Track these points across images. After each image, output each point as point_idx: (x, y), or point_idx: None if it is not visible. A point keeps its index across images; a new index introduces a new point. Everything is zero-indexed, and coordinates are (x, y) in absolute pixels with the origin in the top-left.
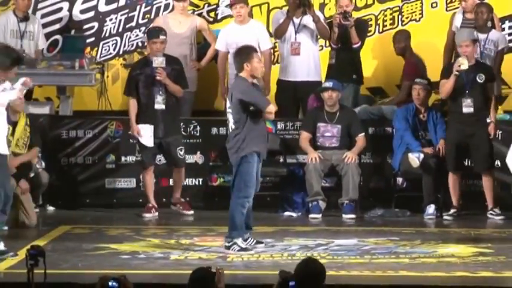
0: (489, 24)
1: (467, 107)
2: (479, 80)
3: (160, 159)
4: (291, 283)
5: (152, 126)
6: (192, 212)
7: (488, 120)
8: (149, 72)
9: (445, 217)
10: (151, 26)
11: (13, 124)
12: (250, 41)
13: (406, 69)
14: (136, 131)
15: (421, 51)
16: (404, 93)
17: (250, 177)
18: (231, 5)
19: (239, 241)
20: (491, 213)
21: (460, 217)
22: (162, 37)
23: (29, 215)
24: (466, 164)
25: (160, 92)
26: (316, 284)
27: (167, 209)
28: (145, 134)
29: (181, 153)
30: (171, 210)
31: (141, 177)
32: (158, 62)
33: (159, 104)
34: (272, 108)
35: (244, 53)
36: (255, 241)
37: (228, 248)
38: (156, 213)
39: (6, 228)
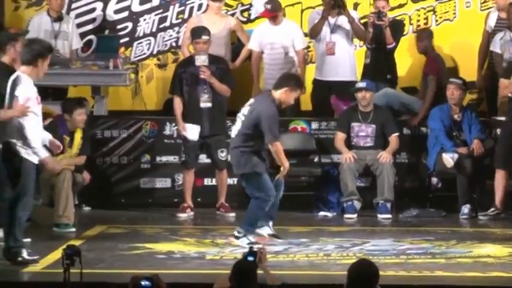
0: None
1: None
2: None
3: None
4: None
5: (199, 127)
6: (233, 214)
7: None
8: (193, 70)
9: (480, 217)
10: (183, 29)
11: (70, 135)
12: (284, 40)
13: (428, 67)
14: (182, 126)
15: (455, 51)
16: (433, 86)
17: (266, 183)
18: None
19: (250, 237)
20: None
21: (497, 217)
22: (204, 37)
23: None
24: None
25: (205, 91)
26: (369, 286)
27: (202, 209)
28: (191, 131)
29: (223, 155)
30: (206, 210)
31: (175, 177)
32: (200, 60)
33: (205, 103)
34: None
35: (292, 81)
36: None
37: (236, 238)
38: (192, 213)
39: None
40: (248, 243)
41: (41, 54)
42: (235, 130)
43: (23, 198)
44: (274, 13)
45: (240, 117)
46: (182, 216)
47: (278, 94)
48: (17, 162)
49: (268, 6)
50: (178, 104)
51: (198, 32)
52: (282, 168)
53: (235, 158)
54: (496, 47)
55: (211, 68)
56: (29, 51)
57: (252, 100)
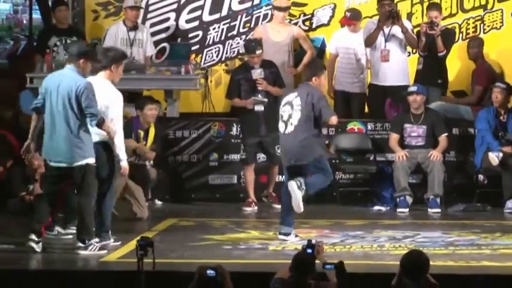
0: None
1: None
2: None
3: (259, 157)
4: None
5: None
6: (280, 205)
7: None
8: (250, 77)
9: None
10: (249, 37)
11: (145, 131)
12: (358, 48)
13: (477, 74)
14: (250, 101)
15: (501, 58)
16: (476, 97)
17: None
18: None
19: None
20: None
21: None
22: (258, 52)
23: (142, 207)
24: None
25: (260, 96)
26: (421, 274)
27: (264, 203)
28: (258, 104)
29: (278, 151)
30: (267, 204)
31: (241, 173)
32: (257, 74)
33: (258, 106)
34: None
35: (318, 67)
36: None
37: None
38: (256, 207)
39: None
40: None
41: (115, 59)
42: (293, 123)
43: (111, 190)
44: (352, 21)
45: (295, 109)
46: (247, 210)
47: (316, 82)
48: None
49: (348, 14)
50: (239, 100)
51: (252, 47)
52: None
53: (303, 147)
54: None
55: (265, 73)
56: (105, 58)
57: (294, 93)
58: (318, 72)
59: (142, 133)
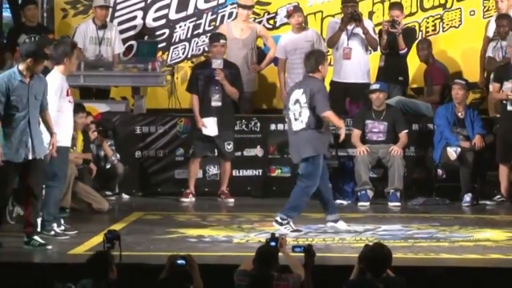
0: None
1: (511, 105)
2: None
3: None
4: None
5: (216, 118)
6: (232, 200)
7: None
8: (208, 72)
9: (487, 203)
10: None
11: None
12: (306, 46)
13: (432, 74)
14: (201, 123)
15: (460, 55)
16: (437, 96)
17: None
18: (289, 15)
19: (292, 223)
20: None
21: (501, 204)
22: (222, 41)
23: (100, 200)
24: None
25: (217, 91)
26: (383, 266)
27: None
28: (209, 126)
29: (229, 147)
30: (220, 201)
31: (207, 168)
32: (217, 63)
33: (216, 101)
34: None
35: (320, 56)
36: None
37: (280, 224)
38: (193, 199)
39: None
40: (292, 231)
41: (66, 53)
42: (303, 121)
43: (57, 177)
44: (291, 11)
45: (302, 106)
46: (185, 201)
47: (318, 74)
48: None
49: (291, 7)
50: (196, 102)
51: (216, 36)
52: (340, 131)
53: (305, 142)
54: (489, 52)
55: (225, 72)
56: (56, 53)
57: (300, 89)
58: (322, 60)
59: None
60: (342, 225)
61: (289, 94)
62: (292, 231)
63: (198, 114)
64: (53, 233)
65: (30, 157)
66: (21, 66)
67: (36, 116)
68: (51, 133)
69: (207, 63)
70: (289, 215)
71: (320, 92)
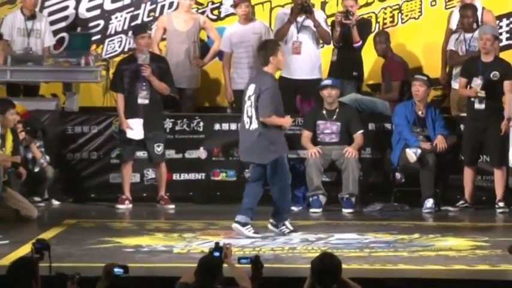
0: (475, 25)
1: (479, 103)
2: (493, 78)
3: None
4: None
5: (142, 120)
6: (173, 206)
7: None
8: (134, 68)
9: (449, 209)
10: (153, 26)
11: (1, 137)
12: (253, 39)
13: (390, 69)
14: (125, 125)
15: (420, 49)
16: (396, 92)
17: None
18: (235, 5)
19: (288, 223)
20: (496, 207)
21: (464, 210)
22: (148, 32)
23: (28, 207)
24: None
25: (144, 87)
26: (332, 278)
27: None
28: (135, 128)
29: (159, 149)
30: (160, 207)
31: (144, 171)
32: (142, 58)
33: (142, 99)
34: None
35: (270, 47)
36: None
37: (275, 226)
38: (130, 205)
39: None
40: (289, 232)
41: None
42: (253, 120)
43: None
44: (238, 0)
45: (253, 106)
46: (121, 207)
47: (270, 66)
48: None
49: None
50: (121, 101)
51: (142, 27)
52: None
53: (261, 145)
54: (451, 45)
55: (152, 66)
56: None
57: (253, 85)
58: (274, 50)
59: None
60: (247, 231)
61: (245, 88)
62: (289, 232)
63: (122, 115)
64: None
65: None
66: None
67: None
68: None
69: (132, 58)
70: (282, 218)
71: (266, 91)
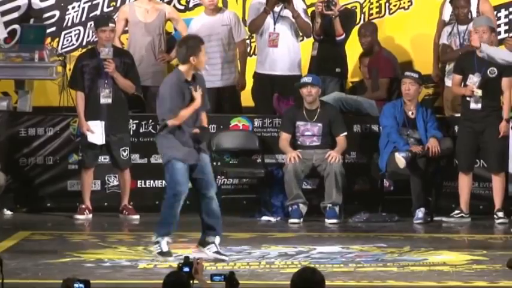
0: (469, 16)
1: (475, 102)
2: (490, 75)
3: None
4: None
5: (103, 123)
6: (137, 216)
7: (504, 117)
8: (96, 63)
9: (444, 220)
10: (114, 17)
11: None
12: (223, 31)
13: (378, 65)
14: (85, 127)
15: (410, 42)
16: (383, 91)
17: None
18: None
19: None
20: (494, 217)
21: (459, 221)
22: (111, 25)
23: None
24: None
25: (106, 85)
26: None
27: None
28: (96, 131)
29: (125, 154)
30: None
31: (106, 178)
32: (105, 53)
33: (105, 98)
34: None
35: (192, 45)
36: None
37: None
38: (90, 216)
39: None
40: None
41: None
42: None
43: None
44: None
45: None
46: (80, 218)
47: (187, 66)
48: None
49: None
50: (81, 100)
51: (104, 20)
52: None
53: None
54: (444, 38)
55: (116, 62)
56: None
57: None
58: (196, 50)
59: None
60: (163, 245)
61: None
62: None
63: (82, 116)
64: None
65: None
66: None
67: None
68: None
69: (93, 52)
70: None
71: (165, 92)
